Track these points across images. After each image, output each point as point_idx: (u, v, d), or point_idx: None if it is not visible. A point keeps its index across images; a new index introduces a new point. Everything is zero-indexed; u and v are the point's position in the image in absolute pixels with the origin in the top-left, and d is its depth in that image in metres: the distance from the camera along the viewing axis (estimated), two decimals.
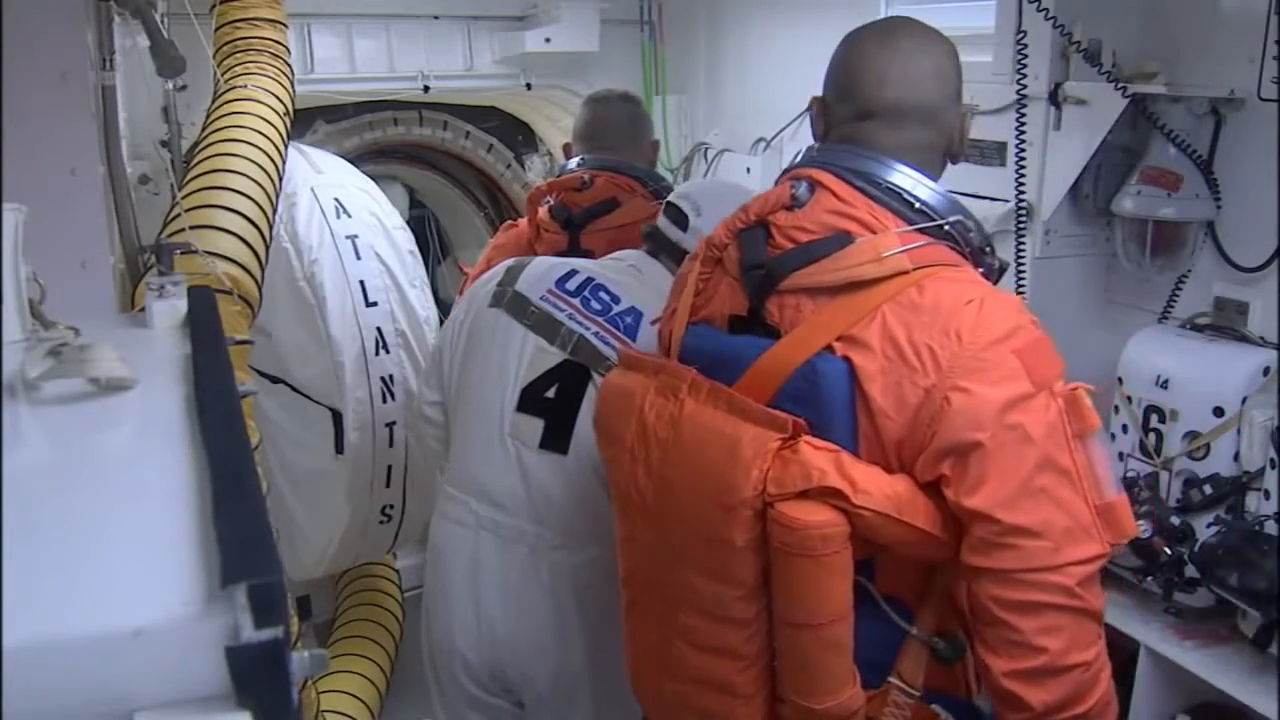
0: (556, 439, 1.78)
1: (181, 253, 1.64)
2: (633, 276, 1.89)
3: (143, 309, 1.31)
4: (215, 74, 2.42)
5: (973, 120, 1.41)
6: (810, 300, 1.26)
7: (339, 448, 2.68)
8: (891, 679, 1.30)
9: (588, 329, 1.81)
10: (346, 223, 2.72)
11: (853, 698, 1.25)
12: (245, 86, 2.39)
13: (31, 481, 0.82)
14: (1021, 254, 2.32)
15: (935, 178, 1.34)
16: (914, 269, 1.22)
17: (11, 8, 1.70)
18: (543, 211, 2.23)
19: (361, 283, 2.67)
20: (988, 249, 1.33)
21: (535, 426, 1.80)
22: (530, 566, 1.82)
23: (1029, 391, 1.16)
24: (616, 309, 1.83)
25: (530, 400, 1.81)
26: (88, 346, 1.04)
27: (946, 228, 1.28)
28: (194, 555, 0.69)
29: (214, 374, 1.03)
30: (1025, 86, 2.23)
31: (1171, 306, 2.27)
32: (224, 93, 2.37)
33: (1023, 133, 2.24)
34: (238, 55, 2.53)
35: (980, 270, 1.31)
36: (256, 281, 2.00)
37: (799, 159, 1.40)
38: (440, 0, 3.43)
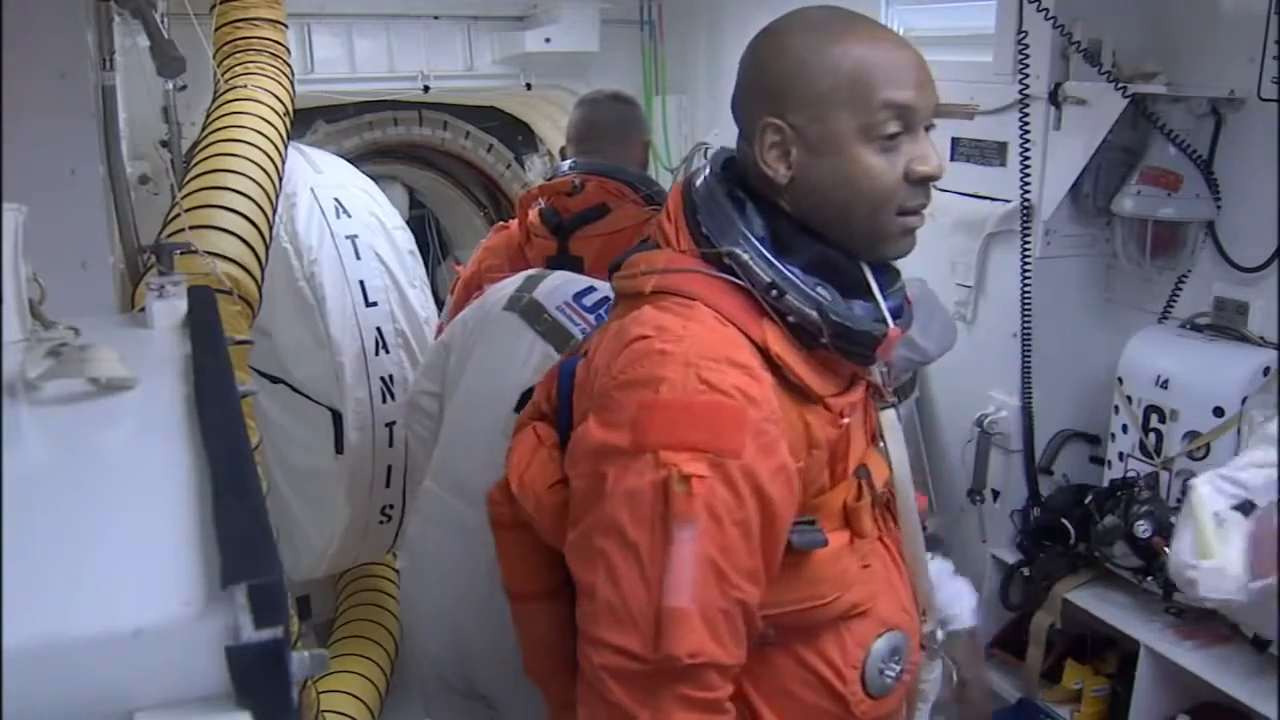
0: None
1: (181, 253, 1.64)
2: None
3: (143, 309, 1.31)
4: (215, 74, 2.42)
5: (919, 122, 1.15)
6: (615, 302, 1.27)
7: (339, 448, 2.68)
8: None
9: None
10: (346, 223, 2.72)
11: (553, 689, 1.30)
12: (245, 86, 2.39)
13: (32, 481, 0.82)
14: (1026, 254, 2.32)
15: (772, 197, 1.16)
16: (649, 292, 1.14)
17: (11, 8, 1.69)
18: (533, 215, 2.22)
19: (361, 283, 2.67)
20: (775, 292, 1.11)
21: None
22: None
23: (625, 448, 1.05)
24: None
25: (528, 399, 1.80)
26: (88, 346, 1.04)
27: (725, 259, 1.13)
28: (194, 555, 0.69)
29: (214, 374, 1.03)
30: (1026, 86, 2.23)
31: (1171, 306, 2.27)
32: (224, 93, 2.37)
33: (1026, 133, 2.24)
34: (238, 55, 2.53)
35: (790, 318, 1.12)
36: (256, 281, 1.99)
37: None
38: (440, 0, 3.43)
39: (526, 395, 1.80)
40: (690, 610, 1.02)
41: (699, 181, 1.19)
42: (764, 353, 1.11)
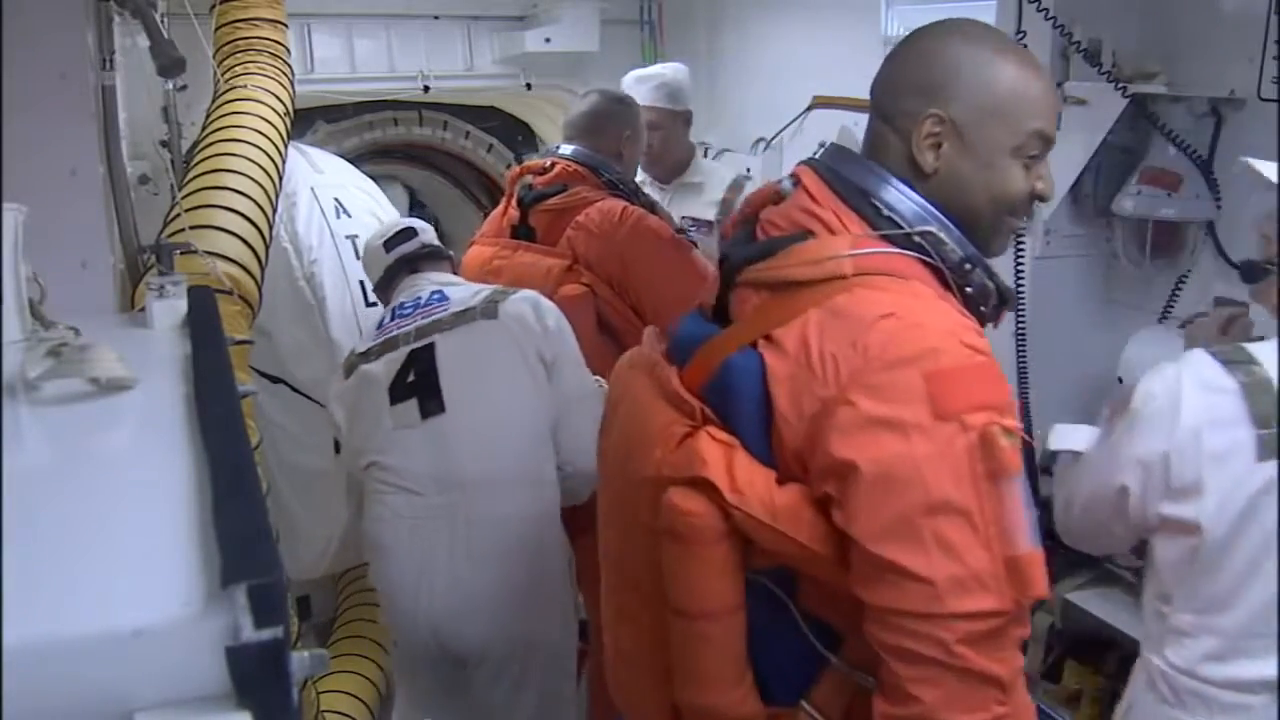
0: (432, 402, 1.98)
1: (181, 253, 1.65)
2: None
3: (143, 309, 1.31)
4: (215, 74, 2.42)
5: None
6: (755, 295, 1.22)
7: (339, 448, 2.68)
8: (802, 702, 1.20)
9: (425, 319, 2.05)
10: (346, 222, 2.73)
11: (732, 703, 1.19)
12: (245, 86, 2.39)
13: (31, 481, 0.82)
14: (1021, 254, 2.32)
15: (911, 183, 1.22)
16: (853, 275, 1.15)
17: (11, 8, 1.69)
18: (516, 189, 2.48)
19: (361, 283, 2.67)
20: (970, 266, 1.20)
21: (410, 406, 1.99)
22: (448, 541, 1.97)
23: (923, 421, 1.06)
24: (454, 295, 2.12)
25: (397, 391, 2.01)
26: (88, 346, 1.05)
27: (916, 238, 1.19)
28: (194, 555, 0.69)
29: (214, 374, 1.03)
30: None
31: (1171, 307, 2.27)
32: (224, 93, 2.37)
33: None
34: (238, 55, 2.53)
35: (969, 290, 1.20)
36: (256, 281, 2.00)
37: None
38: (440, 0, 3.43)
39: (393, 390, 2.02)
40: (1037, 553, 1.06)
41: (842, 169, 1.24)
42: None
